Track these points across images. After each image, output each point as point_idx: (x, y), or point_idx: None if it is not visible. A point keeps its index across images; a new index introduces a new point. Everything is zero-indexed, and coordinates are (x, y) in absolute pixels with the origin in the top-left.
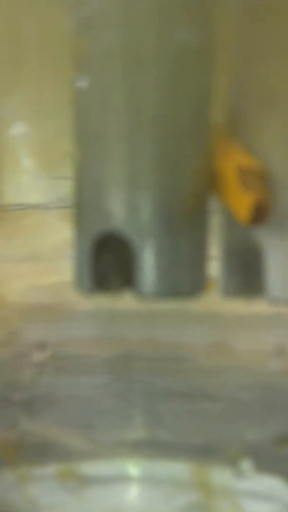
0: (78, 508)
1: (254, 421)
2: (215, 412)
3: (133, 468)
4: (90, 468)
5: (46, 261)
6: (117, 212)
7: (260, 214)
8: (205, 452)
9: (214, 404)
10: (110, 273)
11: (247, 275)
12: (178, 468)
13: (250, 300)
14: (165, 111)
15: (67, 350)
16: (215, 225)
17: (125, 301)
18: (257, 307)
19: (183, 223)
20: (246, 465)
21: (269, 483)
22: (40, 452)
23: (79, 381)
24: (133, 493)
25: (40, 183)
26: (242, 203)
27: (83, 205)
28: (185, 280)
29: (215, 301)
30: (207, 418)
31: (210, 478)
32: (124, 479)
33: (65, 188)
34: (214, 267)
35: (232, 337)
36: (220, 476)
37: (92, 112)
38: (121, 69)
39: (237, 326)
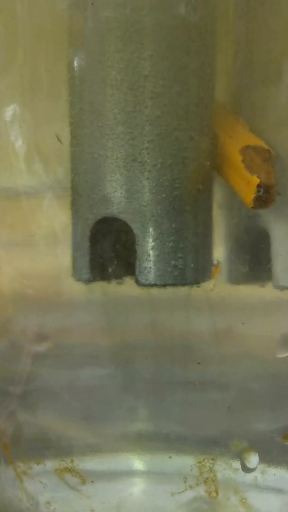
0: (79, 504)
1: (263, 411)
2: (222, 402)
3: (136, 462)
4: (92, 462)
5: (41, 248)
6: (116, 195)
7: (266, 197)
8: (212, 445)
9: (221, 394)
10: (109, 260)
11: (255, 260)
12: (184, 462)
13: (257, 287)
14: (164, 89)
15: (66, 340)
16: (221, 208)
17: (127, 289)
18: (265, 293)
19: (186, 206)
20: (254, 458)
21: (278, 475)
22: (39, 447)
23: (80, 372)
24: (136, 488)
25: (33, 166)
26: (247, 185)
27: (80, 189)
28: (189, 266)
29: (221, 288)
30: (215, 409)
31: (217, 471)
32: (127, 473)
33: (61, 171)
34: (220, 253)
35: (239, 324)
36: (227, 469)
37: (88, 90)
38: (118, 45)
39: (244, 313)
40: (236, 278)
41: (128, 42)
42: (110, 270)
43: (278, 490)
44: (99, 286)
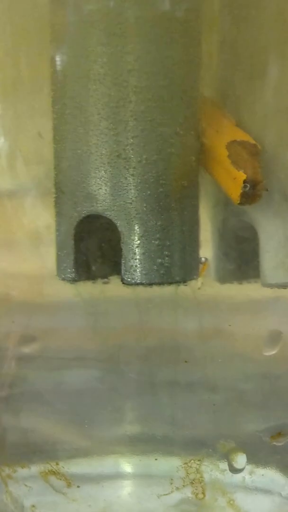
0: (65, 508)
1: (251, 411)
2: (209, 402)
3: (124, 465)
4: (78, 465)
5: (25, 248)
6: (100, 192)
7: (252, 193)
8: (198, 446)
9: (208, 394)
10: (95, 259)
11: (242, 258)
12: (170, 463)
13: (245, 284)
14: (148, 83)
15: (51, 342)
16: (208, 205)
17: (113, 288)
18: (252, 291)
19: (172, 203)
20: (241, 458)
21: (267, 476)
22: (24, 450)
23: (66, 374)
24: (123, 490)
25: (15, 165)
26: (234, 181)
27: (63, 186)
28: (176, 264)
29: (209, 286)
30: (201, 409)
31: (204, 473)
32: (113, 476)
33: (43, 169)
34: (208, 250)
35: (227, 323)
36: (214, 470)
37: (70, 85)
38: (101, 39)
39: (232, 311)
40: (224, 276)
41: (111, 36)
42: (95, 269)
43: (267, 491)
44: (85, 286)
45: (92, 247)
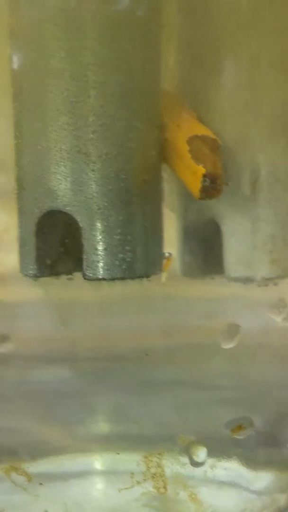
0: (29, 507)
1: (210, 405)
2: (169, 396)
3: (87, 461)
4: (41, 464)
5: None
6: (61, 188)
7: (212, 187)
8: (158, 440)
9: (168, 388)
10: (57, 255)
11: (207, 253)
12: (130, 458)
13: (209, 280)
14: (107, 78)
15: (15, 344)
16: (173, 200)
17: (77, 284)
18: (217, 285)
19: (133, 197)
20: (202, 452)
21: (229, 469)
22: None
23: (31, 373)
24: (87, 486)
25: None
26: (194, 175)
27: (24, 182)
28: (138, 259)
29: (174, 281)
30: (161, 403)
31: (164, 467)
32: (77, 473)
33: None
34: (173, 245)
35: (190, 317)
36: (175, 464)
37: (29, 81)
38: (58, 34)
39: (197, 305)
40: (189, 271)
41: (68, 31)
42: (58, 265)
43: (231, 485)
44: (50, 282)
45: (55, 243)
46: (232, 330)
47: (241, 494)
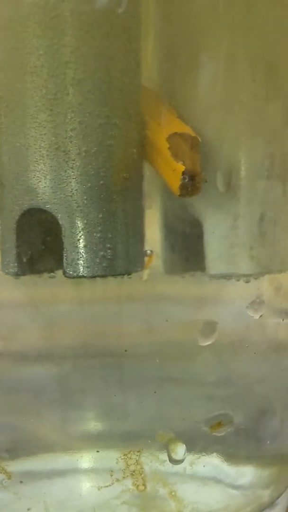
0: (7, 505)
1: (190, 402)
2: (148, 393)
3: (66, 460)
4: (20, 462)
5: None
6: (40, 186)
7: (191, 184)
8: (137, 437)
9: (147, 385)
10: (38, 253)
11: (189, 250)
12: (109, 455)
13: (190, 277)
14: (86, 75)
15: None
16: (155, 197)
17: (58, 282)
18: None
19: (113, 195)
20: (181, 449)
21: (209, 466)
22: None
23: (12, 371)
24: (66, 486)
25: None
26: (173, 173)
27: (4, 180)
28: (119, 256)
29: (155, 278)
30: (140, 400)
31: (144, 464)
32: (57, 473)
33: None
34: (155, 242)
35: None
36: (154, 461)
37: (7, 78)
38: (37, 31)
39: (178, 302)
40: (171, 268)
41: (46, 29)
42: (39, 263)
43: (212, 481)
44: (31, 280)
45: (36, 241)
46: (209, 327)
47: (223, 490)
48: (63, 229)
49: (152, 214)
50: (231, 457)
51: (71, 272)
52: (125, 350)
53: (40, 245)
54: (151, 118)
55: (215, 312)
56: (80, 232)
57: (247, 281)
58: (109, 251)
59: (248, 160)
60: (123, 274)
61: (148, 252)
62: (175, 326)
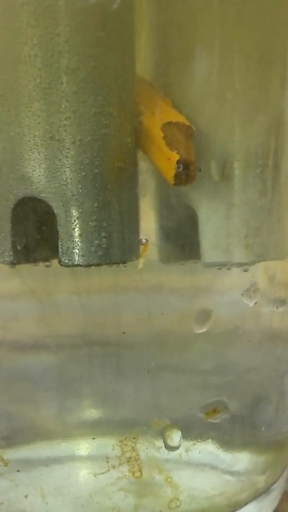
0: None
1: (185, 389)
2: (144, 380)
3: (62, 448)
4: (16, 450)
5: None
6: (35, 174)
7: (186, 173)
8: (133, 424)
9: (143, 373)
10: (35, 242)
11: (184, 239)
12: (105, 442)
13: (186, 265)
14: (80, 65)
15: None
16: (150, 186)
17: (55, 271)
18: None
19: (109, 184)
20: (176, 435)
21: (204, 452)
22: None
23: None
24: (62, 473)
25: None
26: (168, 162)
27: None
28: (114, 245)
29: (151, 267)
30: (136, 388)
31: (139, 450)
32: (53, 460)
33: None
34: (150, 231)
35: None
36: (150, 448)
37: (2, 68)
38: (31, 21)
39: (174, 291)
40: (166, 257)
41: (40, 18)
42: (35, 252)
43: (208, 467)
44: (27, 269)
45: (31, 230)
46: (204, 315)
47: (219, 476)
48: (58, 218)
49: (147, 203)
50: (227, 443)
51: (66, 261)
52: (122, 334)
53: (35, 234)
54: (146, 107)
55: (210, 300)
56: (75, 221)
57: (243, 270)
58: (104, 239)
59: (243, 149)
60: (119, 263)
61: (143, 241)
62: (171, 314)
